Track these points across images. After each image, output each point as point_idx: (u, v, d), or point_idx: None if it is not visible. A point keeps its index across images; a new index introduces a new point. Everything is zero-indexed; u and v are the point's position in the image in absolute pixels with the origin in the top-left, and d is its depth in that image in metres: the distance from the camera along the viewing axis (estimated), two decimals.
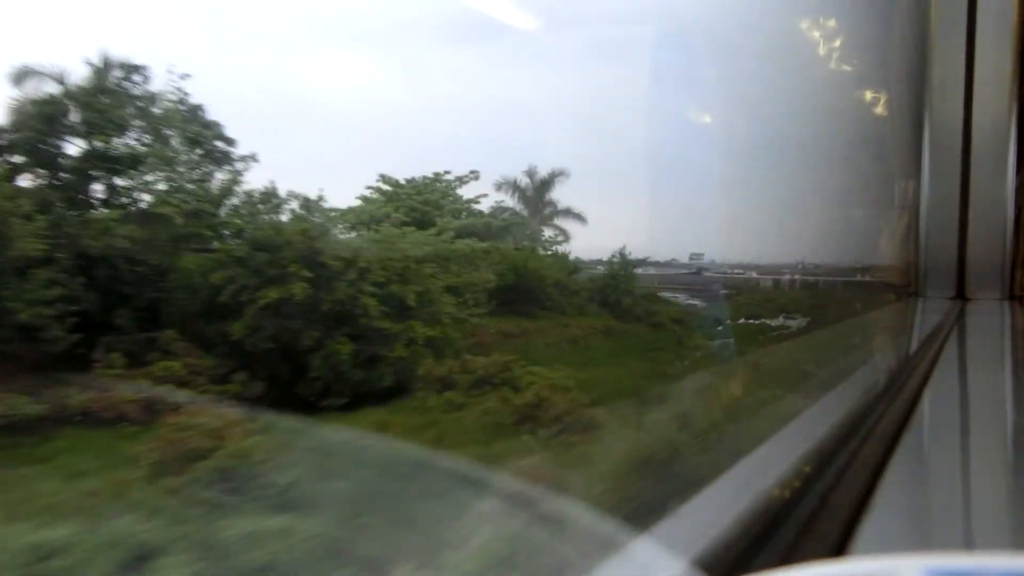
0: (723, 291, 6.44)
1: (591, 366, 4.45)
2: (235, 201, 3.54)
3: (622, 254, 6.21)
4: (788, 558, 0.49)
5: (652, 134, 4.88)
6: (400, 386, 3.50)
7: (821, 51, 2.63)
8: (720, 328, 6.12)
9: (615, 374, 4.24)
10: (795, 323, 5.85)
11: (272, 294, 3.19)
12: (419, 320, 3.77)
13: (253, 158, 3.53)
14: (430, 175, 5.53)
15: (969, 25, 2.51)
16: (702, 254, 6.47)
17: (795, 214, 3.00)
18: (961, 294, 2.65)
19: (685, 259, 6.66)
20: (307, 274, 3.29)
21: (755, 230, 3.73)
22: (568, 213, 6.55)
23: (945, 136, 2.61)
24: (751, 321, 6.25)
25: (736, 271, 6.53)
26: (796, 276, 5.63)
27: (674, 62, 4.63)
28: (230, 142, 3.44)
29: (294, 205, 3.79)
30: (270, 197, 3.63)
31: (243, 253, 3.28)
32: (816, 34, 2.66)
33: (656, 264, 6.77)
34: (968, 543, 0.54)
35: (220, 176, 3.44)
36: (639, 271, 6.59)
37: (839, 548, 0.50)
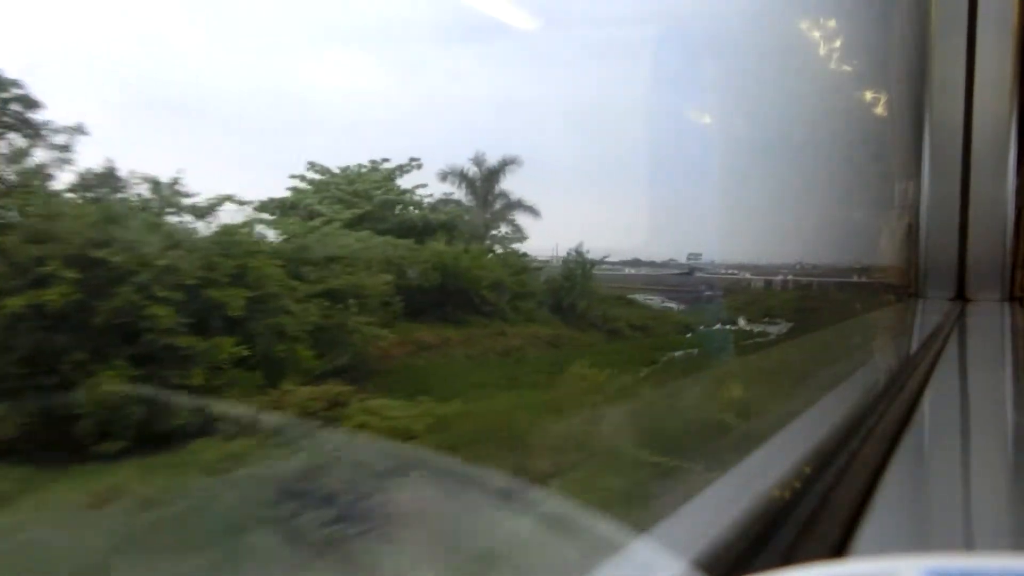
0: (708, 292, 6.17)
1: (491, 391, 3.62)
2: (47, 184, 2.79)
3: (578, 252, 5.55)
4: (788, 558, 0.49)
5: (651, 134, 4.88)
6: (201, 425, 2.55)
7: (821, 51, 2.63)
8: (689, 336, 5.74)
9: (511, 404, 3.36)
10: (776, 328, 5.47)
11: (17, 302, 2.37)
12: (245, 333, 2.82)
13: (80, 130, 2.74)
14: (367, 163, 4.85)
15: (969, 25, 2.51)
16: (700, 254, 6.25)
17: (794, 214, 3.00)
18: (961, 295, 2.65)
19: (683, 259, 6.47)
20: (71, 274, 2.47)
21: (753, 230, 3.72)
22: (519, 206, 5.75)
23: (945, 136, 2.61)
24: (727, 327, 5.82)
25: (730, 272, 6.31)
26: (788, 277, 5.54)
27: (673, 61, 4.64)
28: (33, 105, 2.63)
29: (143, 190, 2.99)
30: (107, 179, 2.87)
31: (10, 246, 2.50)
32: (816, 34, 2.66)
33: (651, 264, 6.54)
34: (968, 543, 0.54)
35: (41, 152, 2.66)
36: (630, 271, 6.25)
37: (839, 548, 0.50)
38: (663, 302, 6.28)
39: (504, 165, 5.59)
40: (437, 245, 4.70)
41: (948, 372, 1.36)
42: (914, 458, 0.78)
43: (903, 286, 2.89)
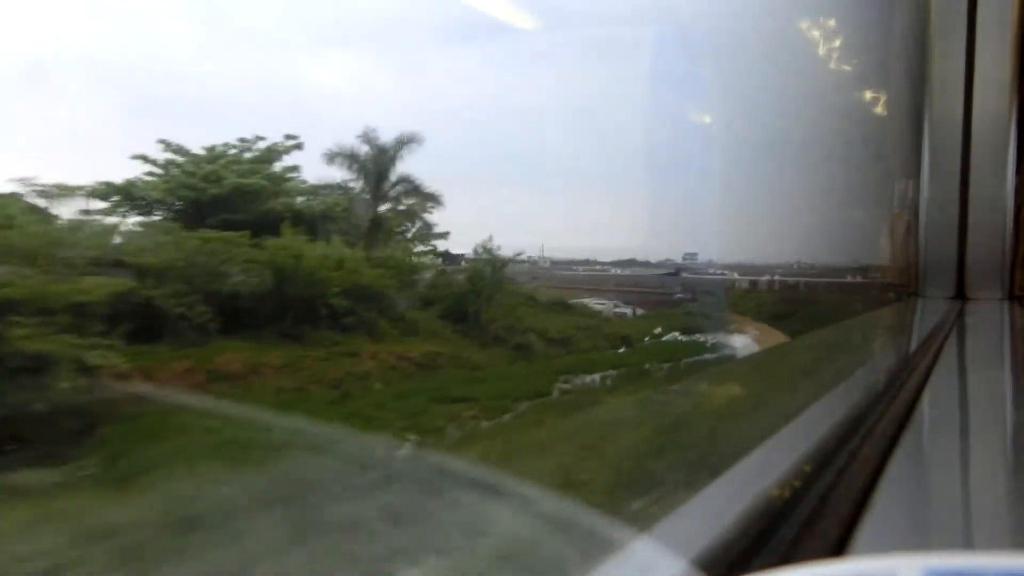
0: (680, 295, 5.66)
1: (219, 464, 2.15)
2: None
3: (487, 248, 4.60)
4: (788, 558, 0.49)
5: (649, 133, 4.88)
6: None
7: (821, 50, 2.63)
8: (623, 351, 4.91)
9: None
10: (741, 338, 4.86)
11: None
12: None
13: None
14: (235, 142, 4.06)
15: (969, 24, 2.51)
16: (695, 254, 6.01)
17: (792, 214, 3.00)
18: (961, 294, 2.65)
19: (680, 259, 6.21)
20: None
21: (751, 230, 3.72)
22: (418, 192, 4.77)
23: (945, 135, 2.61)
24: (682, 337, 5.09)
25: (719, 272, 6.04)
26: (776, 277, 5.38)
27: (671, 61, 4.64)
28: None
29: None
30: None
31: None
32: (816, 33, 2.66)
33: (645, 264, 6.28)
34: (968, 543, 0.54)
35: None
36: (616, 271, 5.69)
37: (839, 548, 0.50)
38: (617, 307, 5.54)
39: (401, 144, 4.54)
40: (282, 240, 3.77)
41: (947, 371, 1.36)
42: (914, 457, 0.78)
43: (902, 285, 2.89)
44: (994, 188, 2.60)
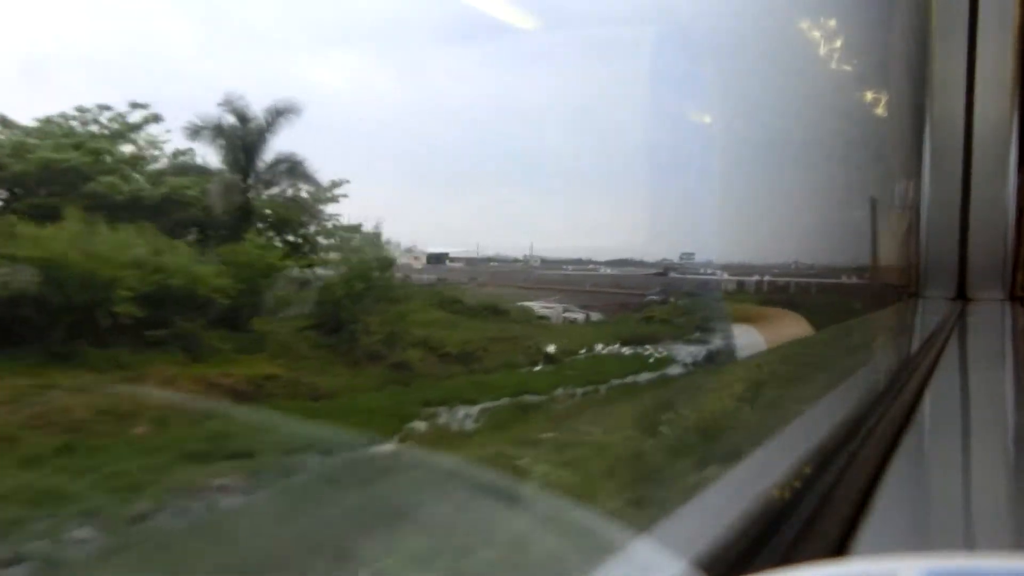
0: (652, 297, 5.26)
1: None
2: None
3: (375, 242, 3.83)
4: (788, 558, 0.49)
5: (648, 133, 4.87)
6: None
7: (821, 50, 2.63)
8: (540, 368, 3.99)
9: None
10: (694, 350, 4.25)
11: None
12: None
13: None
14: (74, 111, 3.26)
15: (970, 24, 2.51)
16: (692, 254, 5.90)
17: (792, 214, 3.00)
18: (962, 295, 2.65)
19: (677, 259, 6.05)
20: None
21: (750, 230, 3.71)
22: (298, 174, 3.76)
23: (946, 135, 2.61)
24: (623, 351, 4.30)
25: (710, 272, 5.88)
26: (766, 277, 5.29)
27: (670, 60, 4.64)
28: None
29: None
30: None
31: None
32: (816, 34, 2.66)
33: (640, 264, 6.15)
34: (969, 543, 0.54)
35: None
36: (609, 271, 5.28)
37: (839, 548, 0.50)
38: (567, 312, 4.75)
39: (276, 116, 3.60)
40: (53, 229, 2.85)
41: (949, 372, 1.35)
42: (915, 458, 0.78)
43: (902, 286, 2.89)
44: (995, 188, 2.60)
